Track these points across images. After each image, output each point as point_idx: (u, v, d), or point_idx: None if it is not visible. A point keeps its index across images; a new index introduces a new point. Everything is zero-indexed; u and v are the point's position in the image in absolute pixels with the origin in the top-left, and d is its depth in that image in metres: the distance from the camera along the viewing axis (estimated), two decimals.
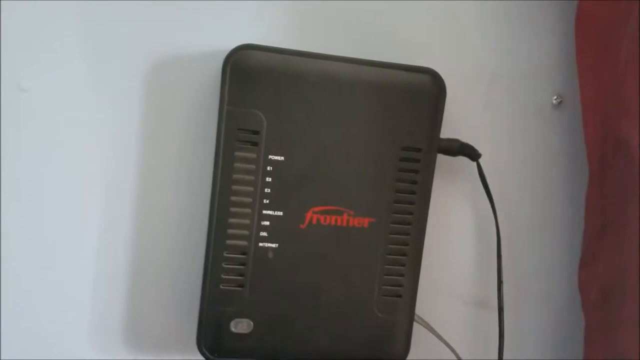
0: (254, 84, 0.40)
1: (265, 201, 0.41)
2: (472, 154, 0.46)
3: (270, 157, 0.41)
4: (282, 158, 0.41)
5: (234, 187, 0.41)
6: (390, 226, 0.43)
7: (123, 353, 0.46)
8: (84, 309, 0.45)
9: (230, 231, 0.41)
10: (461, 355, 0.48)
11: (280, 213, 0.42)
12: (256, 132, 0.40)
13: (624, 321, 0.44)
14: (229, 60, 0.40)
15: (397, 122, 0.42)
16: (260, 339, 0.43)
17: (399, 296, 0.44)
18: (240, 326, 0.42)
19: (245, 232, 0.41)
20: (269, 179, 0.41)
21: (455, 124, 0.46)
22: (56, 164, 0.43)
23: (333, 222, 0.42)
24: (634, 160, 0.43)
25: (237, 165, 0.41)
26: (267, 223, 0.42)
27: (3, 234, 0.43)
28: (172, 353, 0.47)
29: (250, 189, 0.41)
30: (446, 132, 0.44)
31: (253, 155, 0.41)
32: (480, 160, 0.46)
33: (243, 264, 0.42)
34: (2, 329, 0.44)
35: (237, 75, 0.40)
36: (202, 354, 0.42)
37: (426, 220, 0.44)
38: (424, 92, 0.42)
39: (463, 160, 0.46)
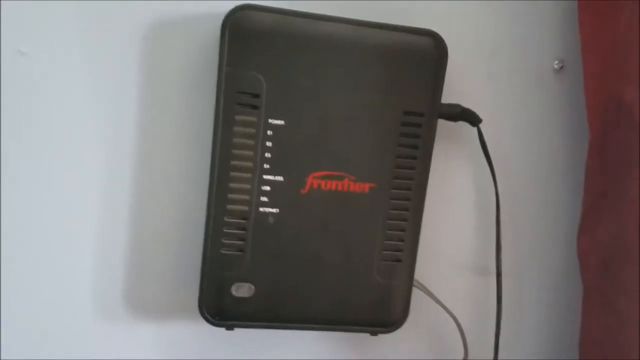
0: (253, 46, 0.40)
1: (265, 166, 0.41)
2: (473, 119, 0.45)
3: (270, 121, 0.41)
4: (283, 122, 0.41)
5: (234, 152, 0.41)
6: (391, 191, 0.43)
7: (126, 318, 0.46)
8: (86, 275, 0.45)
9: (230, 196, 0.41)
10: (459, 320, 0.48)
11: (281, 178, 0.42)
12: (256, 95, 0.40)
13: (624, 286, 0.45)
14: (227, 20, 0.39)
15: (399, 85, 0.42)
16: (262, 303, 0.43)
17: (399, 261, 0.44)
18: (242, 290, 0.43)
19: (246, 197, 0.41)
20: (269, 144, 0.41)
21: (456, 89, 0.46)
22: (55, 128, 0.43)
23: (334, 187, 0.42)
24: (634, 124, 0.43)
25: (237, 129, 0.40)
26: (268, 188, 0.42)
27: (4, 201, 0.43)
28: (174, 317, 0.47)
29: (251, 153, 0.41)
30: (448, 99, 0.44)
31: (253, 119, 0.40)
32: (481, 126, 0.46)
33: (244, 229, 0.42)
34: (4, 297, 0.44)
35: (236, 36, 0.39)
36: (204, 317, 0.43)
37: (426, 185, 0.44)
38: (426, 54, 0.42)
39: (464, 126, 0.46)
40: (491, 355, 0.49)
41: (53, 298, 0.45)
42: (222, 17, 0.39)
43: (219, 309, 0.43)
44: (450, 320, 0.48)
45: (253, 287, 0.43)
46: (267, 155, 0.41)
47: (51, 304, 0.45)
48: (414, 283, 0.46)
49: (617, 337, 0.45)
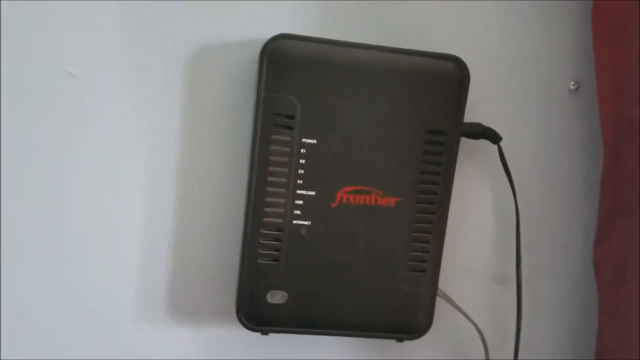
0: (289, 71, 0.42)
1: (299, 182, 0.44)
2: (493, 137, 0.48)
3: (304, 140, 0.43)
4: (315, 141, 0.44)
5: (270, 169, 0.43)
6: (416, 205, 0.45)
7: (167, 322, 0.49)
8: (130, 281, 0.48)
9: (266, 209, 0.44)
10: (480, 327, 0.50)
11: (313, 193, 0.44)
12: (291, 117, 0.43)
13: (637, 297, 0.46)
14: (266, 48, 0.42)
15: (423, 107, 0.44)
16: (294, 309, 0.45)
17: (423, 271, 0.47)
18: (276, 297, 0.45)
19: (281, 211, 0.44)
20: (302, 161, 0.44)
21: (477, 109, 0.48)
22: (101, 144, 0.46)
23: (362, 202, 0.45)
24: None
25: (273, 147, 0.43)
26: (301, 202, 0.44)
27: (53, 209, 0.46)
28: (213, 322, 0.50)
29: (285, 170, 0.44)
30: (469, 116, 0.46)
31: (288, 139, 0.43)
32: (501, 144, 0.48)
33: (278, 240, 0.44)
34: (49, 299, 0.47)
35: (274, 62, 0.42)
36: (241, 322, 0.45)
37: (450, 199, 0.46)
38: (448, 78, 0.44)
39: (485, 144, 0.48)
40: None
41: (97, 302, 0.48)
42: (259, 44, 0.42)
43: (255, 315, 0.45)
44: (472, 327, 0.50)
45: (286, 294, 0.45)
46: (301, 171, 0.44)
47: (95, 308, 0.48)
48: (438, 292, 0.48)
49: (632, 344, 0.47)
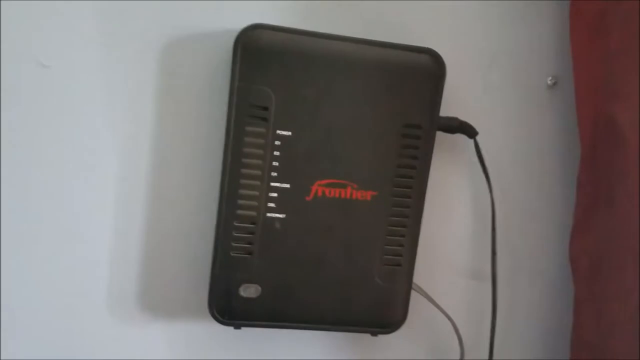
0: (263, 62, 0.42)
1: (273, 174, 0.43)
2: (469, 131, 0.48)
3: (278, 132, 0.43)
4: (290, 133, 0.43)
5: (244, 160, 0.43)
6: (392, 199, 0.45)
7: (138, 316, 0.49)
8: (101, 276, 0.47)
9: (240, 202, 0.43)
10: (456, 322, 0.50)
11: (288, 185, 0.44)
12: (265, 108, 0.42)
13: (613, 291, 0.47)
14: (240, 38, 0.41)
15: (399, 100, 0.44)
16: (268, 303, 0.45)
17: (399, 265, 0.46)
18: (249, 291, 0.45)
19: (255, 203, 0.44)
20: (277, 153, 0.43)
21: (454, 103, 0.48)
22: (73, 137, 0.45)
23: (337, 195, 0.45)
24: (622, 139, 0.45)
25: (247, 139, 0.43)
26: (275, 195, 0.44)
27: (22, 205, 0.45)
28: (185, 316, 0.49)
29: (260, 162, 0.43)
30: (446, 112, 0.46)
31: (262, 130, 0.43)
32: (478, 138, 0.48)
33: (252, 233, 0.44)
34: (20, 298, 0.46)
35: (248, 53, 0.42)
36: (213, 316, 0.45)
37: (425, 193, 0.46)
38: (425, 71, 0.44)
39: (461, 138, 0.48)
40: (486, 355, 0.51)
41: (69, 299, 0.47)
42: (234, 35, 0.41)
43: (227, 308, 0.45)
44: (447, 322, 0.50)
45: (260, 288, 0.45)
46: (275, 164, 0.43)
47: (67, 305, 0.47)
48: (413, 286, 0.48)
49: (607, 339, 0.47)
